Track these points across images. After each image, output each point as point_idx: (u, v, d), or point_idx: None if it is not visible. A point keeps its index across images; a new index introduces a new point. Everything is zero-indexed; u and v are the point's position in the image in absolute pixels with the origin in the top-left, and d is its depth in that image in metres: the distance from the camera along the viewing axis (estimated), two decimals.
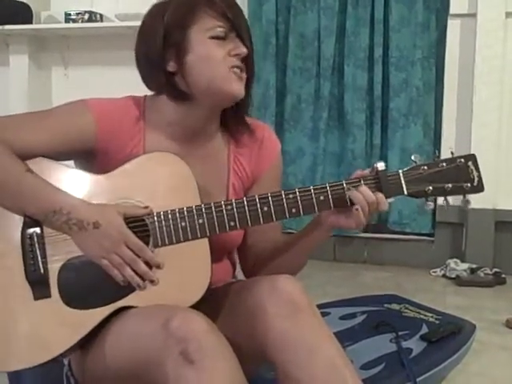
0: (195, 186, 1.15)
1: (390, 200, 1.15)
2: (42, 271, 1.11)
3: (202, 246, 1.13)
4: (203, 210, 1.13)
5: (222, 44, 1.16)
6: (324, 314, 1.63)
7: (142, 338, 1.04)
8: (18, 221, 1.12)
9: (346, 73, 3.06)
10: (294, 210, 1.14)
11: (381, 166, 1.14)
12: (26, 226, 1.11)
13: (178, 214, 1.12)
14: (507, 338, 2.08)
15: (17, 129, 1.15)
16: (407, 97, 3.00)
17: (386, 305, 1.83)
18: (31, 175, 1.10)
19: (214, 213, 1.13)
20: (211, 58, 1.16)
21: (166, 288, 1.11)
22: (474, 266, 2.87)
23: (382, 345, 1.54)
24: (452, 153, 1.18)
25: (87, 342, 1.12)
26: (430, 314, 1.75)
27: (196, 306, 1.09)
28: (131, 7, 3.31)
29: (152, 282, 1.10)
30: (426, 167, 1.15)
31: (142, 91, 1.26)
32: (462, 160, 1.16)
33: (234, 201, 1.13)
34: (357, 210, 1.11)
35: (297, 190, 1.14)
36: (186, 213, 1.12)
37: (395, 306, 1.82)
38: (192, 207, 1.12)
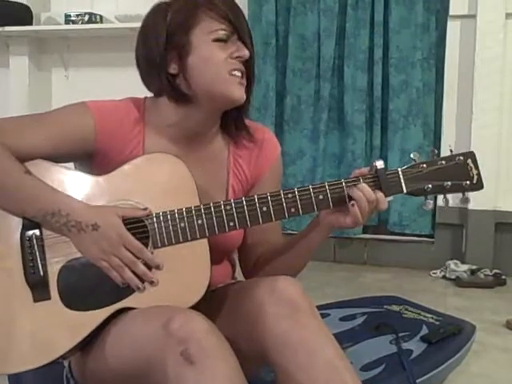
0: (194, 187, 1.15)
1: (389, 199, 1.15)
2: (41, 273, 1.11)
3: (202, 247, 1.13)
4: (202, 210, 1.13)
5: (224, 46, 1.16)
6: (324, 315, 1.63)
7: (143, 339, 1.04)
8: (17, 223, 1.11)
9: (345, 74, 3.06)
10: (293, 210, 1.14)
11: (380, 164, 1.14)
12: (25, 228, 1.11)
13: (177, 215, 1.12)
14: (507, 339, 2.08)
15: (16, 131, 1.15)
16: (407, 98, 3.00)
17: (385, 306, 1.83)
18: (30, 177, 1.10)
19: (213, 213, 1.12)
20: (213, 60, 1.16)
21: (166, 289, 1.11)
22: (474, 267, 2.86)
23: (382, 346, 1.54)
24: (451, 150, 1.18)
25: (87, 344, 1.12)
26: (430, 315, 1.75)
27: (195, 307, 1.09)
28: (131, 8, 3.31)
29: (151, 282, 1.10)
30: (425, 165, 1.15)
31: (142, 93, 1.26)
32: (461, 158, 1.16)
33: (232, 201, 1.13)
34: (353, 205, 1.11)
35: (296, 189, 1.14)
36: (185, 214, 1.12)
37: (395, 307, 1.82)
38: (191, 208, 1.12)
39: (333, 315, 1.74)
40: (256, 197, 1.13)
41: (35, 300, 1.10)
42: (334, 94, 3.12)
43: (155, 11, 1.21)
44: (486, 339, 2.02)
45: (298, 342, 1.03)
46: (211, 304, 1.17)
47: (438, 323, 1.68)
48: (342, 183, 1.14)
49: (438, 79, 3.03)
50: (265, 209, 1.13)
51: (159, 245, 1.12)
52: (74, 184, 1.14)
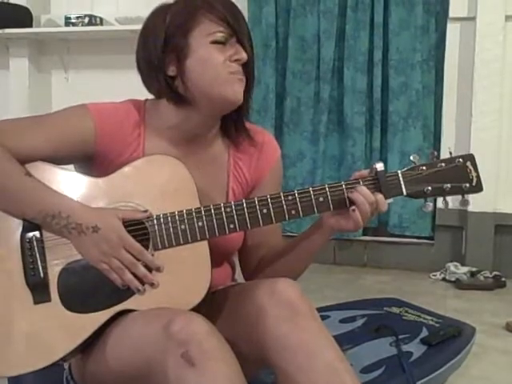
0: (195, 189, 1.15)
1: (389, 201, 1.15)
2: (41, 275, 1.11)
3: (202, 249, 1.13)
4: (203, 212, 1.13)
5: (222, 49, 1.16)
6: (324, 318, 1.63)
7: (143, 341, 1.04)
8: (17, 224, 1.11)
9: (345, 76, 3.06)
10: (293, 212, 1.14)
11: (379, 166, 1.14)
12: (25, 229, 1.11)
13: (177, 217, 1.12)
14: (507, 341, 2.08)
15: (16, 133, 1.15)
16: (407, 100, 3.00)
17: (385, 308, 1.83)
18: (30, 179, 1.10)
19: (213, 215, 1.13)
20: (211, 62, 1.16)
21: (166, 291, 1.11)
22: (473, 269, 2.86)
23: (382, 348, 1.54)
24: (450, 153, 1.18)
25: (87, 346, 1.12)
26: (430, 318, 1.74)
27: (196, 309, 1.09)
28: (131, 11, 3.31)
29: (152, 285, 1.10)
30: (424, 167, 1.15)
31: (142, 95, 1.26)
32: (461, 160, 1.16)
33: (233, 203, 1.13)
34: (353, 210, 1.12)
35: (296, 191, 1.14)
36: (185, 216, 1.12)
37: (395, 310, 1.82)
38: (191, 210, 1.12)
39: (333, 317, 1.74)
40: (256, 199, 1.13)
41: (35, 302, 1.10)
42: (334, 96, 3.12)
43: (155, 13, 1.21)
44: (486, 341, 2.02)
45: (297, 344, 1.03)
46: (211, 306, 1.17)
47: (437, 325, 1.68)
48: (342, 185, 1.14)
49: (438, 81, 3.03)
50: (265, 211, 1.13)
51: (159, 247, 1.12)
52: (74, 186, 1.14)
